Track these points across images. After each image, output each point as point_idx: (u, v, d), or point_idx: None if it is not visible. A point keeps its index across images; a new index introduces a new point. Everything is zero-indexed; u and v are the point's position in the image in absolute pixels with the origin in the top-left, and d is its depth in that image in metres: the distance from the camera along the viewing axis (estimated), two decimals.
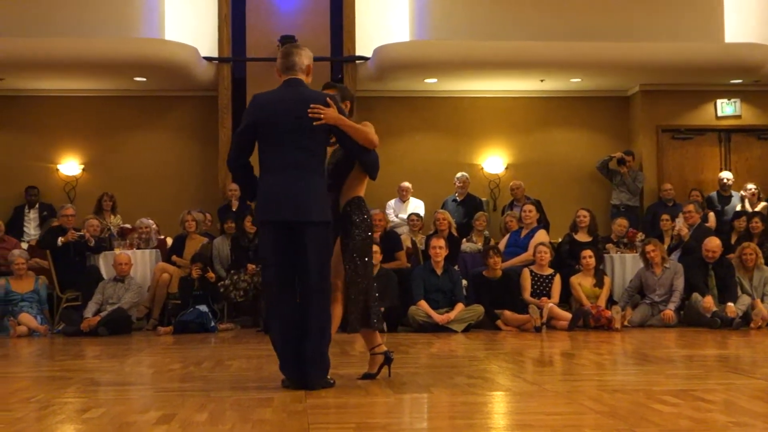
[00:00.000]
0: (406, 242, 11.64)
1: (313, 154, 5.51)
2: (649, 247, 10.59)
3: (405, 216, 12.93)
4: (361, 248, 5.67)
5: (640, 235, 11.66)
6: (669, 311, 10.25)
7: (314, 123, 5.39)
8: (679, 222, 11.57)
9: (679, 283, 10.47)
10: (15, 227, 13.18)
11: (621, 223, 11.92)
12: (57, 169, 14.24)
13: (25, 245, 12.34)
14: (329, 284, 5.56)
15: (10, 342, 9.67)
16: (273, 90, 5.66)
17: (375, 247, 10.23)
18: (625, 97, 14.84)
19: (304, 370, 5.40)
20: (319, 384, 5.41)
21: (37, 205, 13.63)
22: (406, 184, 13.37)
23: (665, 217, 12.01)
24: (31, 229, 13.38)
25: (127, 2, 13.10)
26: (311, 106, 5.38)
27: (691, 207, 11.69)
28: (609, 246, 11.65)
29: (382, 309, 5.98)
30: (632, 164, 13.83)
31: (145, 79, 13.63)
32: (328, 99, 5.45)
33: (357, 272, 5.64)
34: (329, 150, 5.72)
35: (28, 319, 10.29)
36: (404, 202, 13.37)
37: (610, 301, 10.64)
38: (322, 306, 5.48)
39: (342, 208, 5.68)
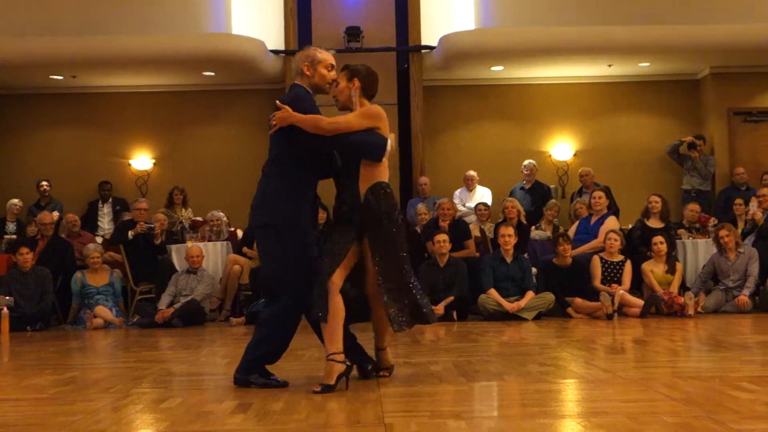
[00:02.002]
0: (475, 231, 11.62)
1: (272, 160, 5.43)
2: (722, 232, 10.43)
3: (472, 205, 12.90)
4: (394, 237, 5.29)
5: (713, 220, 11.48)
6: (743, 297, 10.09)
7: (269, 132, 5.31)
8: (753, 206, 11.37)
9: (754, 268, 10.30)
10: (90, 222, 13.46)
11: (693, 209, 11.76)
12: (129, 164, 14.50)
13: (99, 239, 12.61)
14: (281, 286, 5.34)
15: (87, 334, 9.88)
16: None
17: (443, 236, 10.32)
18: (695, 80, 14.60)
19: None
20: (238, 381, 5.36)
21: (110, 200, 13.90)
22: (472, 172, 13.32)
23: (738, 201, 11.81)
24: (105, 223, 13.65)
25: None
26: (270, 116, 5.30)
27: (765, 191, 11.50)
28: (681, 231, 11.49)
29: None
30: (703, 148, 13.61)
31: (213, 74, 13.80)
32: (277, 101, 5.30)
33: (396, 264, 5.28)
34: None
35: (104, 311, 10.52)
36: (471, 191, 13.33)
37: (683, 288, 10.51)
38: (270, 311, 5.45)
39: (363, 200, 5.33)
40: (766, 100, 14.28)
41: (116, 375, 6.18)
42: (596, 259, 10.45)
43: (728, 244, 10.36)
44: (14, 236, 12.38)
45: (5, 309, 9.84)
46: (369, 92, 5.52)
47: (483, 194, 13.26)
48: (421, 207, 12.00)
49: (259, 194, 5.40)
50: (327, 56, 5.52)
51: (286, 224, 5.25)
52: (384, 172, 5.39)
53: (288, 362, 6.56)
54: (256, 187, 5.45)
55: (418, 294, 5.33)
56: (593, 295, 10.05)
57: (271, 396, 4.92)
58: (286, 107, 5.24)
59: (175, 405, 4.73)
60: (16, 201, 13.04)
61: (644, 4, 13.06)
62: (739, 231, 11.01)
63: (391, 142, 5.43)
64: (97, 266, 10.89)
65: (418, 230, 11.49)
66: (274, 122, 5.24)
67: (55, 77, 13.76)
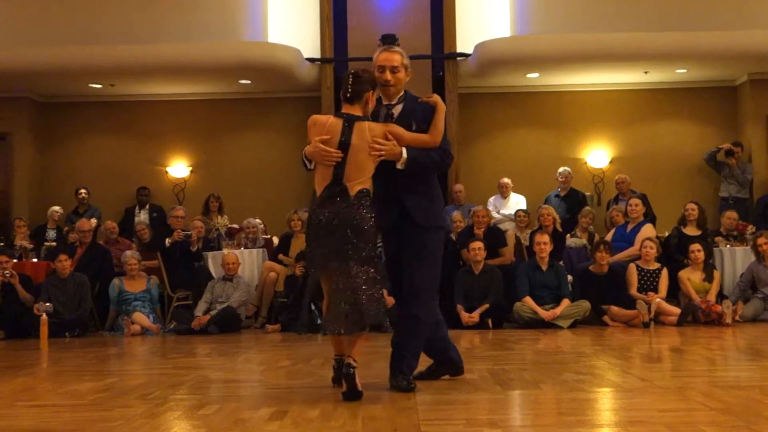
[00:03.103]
0: (511, 238, 11.59)
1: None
2: (761, 240, 10.34)
3: (506, 212, 12.88)
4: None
5: (751, 228, 11.38)
6: None
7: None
8: None
9: None
10: (126, 228, 13.56)
11: (730, 216, 11.66)
12: (166, 172, 14.63)
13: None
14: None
15: (125, 340, 9.97)
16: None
17: (478, 244, 10.31)
18: (733, 86, 14.48)
19: None
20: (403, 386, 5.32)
21: (147, 206, 14.01)
22: (506, 180, 13.28)
23: None
24: None
25: (230, 7, 13.36)
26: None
27: None
28: (718, 239, 11.41)
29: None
30: (741, 155, 13.50)
31: (249, 82, 13.89)
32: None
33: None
34: None
35: (141, 318, 10.61)
36: (505, 198, 13.29)
37: (721, 296, 10.42)
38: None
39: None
40: None
41: (154, 381, 6.23)
42: (632, 267, 10.39)
43: (767, 252, 10.26)
44: (54, 243, 12.50)
45: (44, 315, 9.94)
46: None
47: (517, 201, 13.22)
48: (456, 214, 11.99)
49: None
50: (375, 57, 5.45)
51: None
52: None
53: (324, 369, 6.60)
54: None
55: (365, 299, 5.10)
56: (629, 303, 10.00)
57: (308, 403, 4.94)
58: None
59: (212, 412, 4.77)
60: (57, 208, 13.18)
61: (680, 10, 12.99)
62: None
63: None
64: (135, 273, 10.98)
65: (453, 237, 11.49)
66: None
67: (94, 86, 13.93)
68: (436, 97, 5.44)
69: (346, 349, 5.17)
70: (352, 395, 4.98)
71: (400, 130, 5.27)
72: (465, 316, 9.95)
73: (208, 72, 13.42)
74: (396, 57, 5.38)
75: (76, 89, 14.17)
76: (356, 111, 5.27)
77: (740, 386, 5.31)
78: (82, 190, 13.75)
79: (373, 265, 5.17)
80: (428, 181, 5.48)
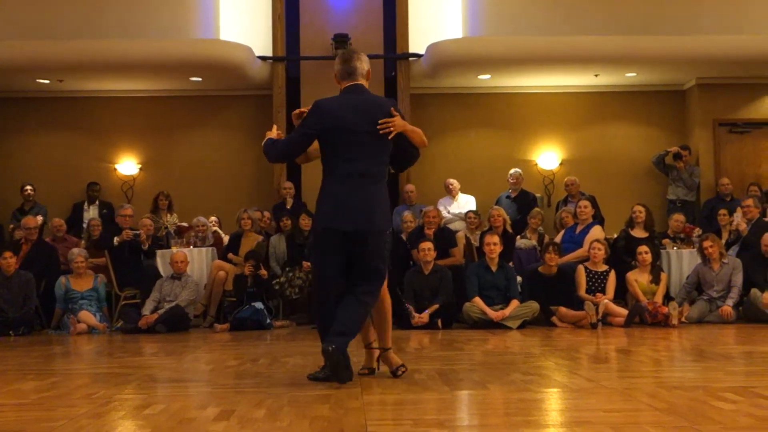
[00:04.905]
0: (461, 239, 11.63)
1: (383, 162, 5.66)
2: (706, 243, 10.47)
3: (456, 211, 12.93)
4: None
5: (697, 231, 11.54)
6: (727, 307, 10.12)
7: (389, 137, 5.55)
8: (737, 217, 11.42)
9: (738, 279, 10.34)
10: (74, 224, 13.39)
11: (678, 219, 11.81)
12: (115, 169, 14.47)
13: (83, 243, 12.54)
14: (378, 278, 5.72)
15: (71, 339, 9.84)
16: (336, 97, 5.70)
17: (428, 244, 10.33)
18: (681, 90, 14.67)
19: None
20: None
21: (97, 202, 13.83)
22: (452, 180, 13.31)
23: (723, 212, 11.87)
24: None
25: (181, 3, 13.25)
26: (380, 121, 5.50)
27: (749, 201, 11.53)
28: (665, 241, 11.54)
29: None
30: (688, 159, 13.68)
31: (200, 79, 13.78)
32: (392, 109, 5.59)
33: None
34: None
35: (88, 316, 10.47)
36: (453, 198, 13.33)
37: (667, 298, 10.55)
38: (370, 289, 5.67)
39: None
40: (752, 112, 14.36)
41: (99, 381, 6.14)
42: (581, 268, 10.47)
43: (712, 254, 10.40)
44: None
45: None
46: None
47: (467, 201, 13.26)
48: (407, 214, 12.00)
49: (378, 199, 5.60)
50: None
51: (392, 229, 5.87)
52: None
53: (272, 368, 6.56)
54: (369, 192, 5.55)
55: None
56: (578, 304, 10.08)
57: (255, 403, 4.91)
58: (398, 114, 5.59)
59: (158, 412, 4.71)
60: None
61: (631, 15, 13.13)
62: (724, 241, 11.06)
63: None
64: (82, 271, 10.84)
65: (404, 238, 11.50)
66: (392, 128, 5.52)
67: (41, 81, 13.72)
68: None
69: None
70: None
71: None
72: (415, 315, 9.95)
73: (158, 69, 13.28)
74: None
75: (22, 85, 13.93)
76: None
77: (685, 387, 5.36)
78: (28, 187, 13.55)
79: None
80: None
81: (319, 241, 5.64)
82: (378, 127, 5.49)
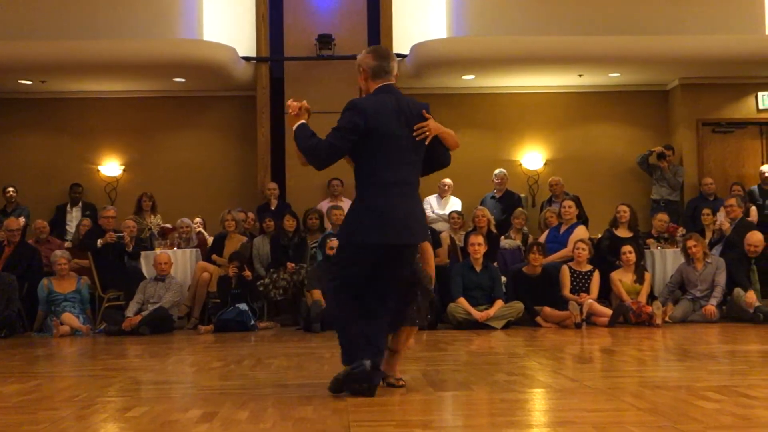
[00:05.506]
0: (446, 239, 11.63)
1: (418, 170, 5.31)
2: (690, 242, 10.50)
3: (441, 212, 12.93)
4: None
5: (681, 230, 11.57)
6: (711, 306, 10.16)
7: (425, 143, 5.23)
8: (721, 216, 11.45)
9: (721, 278, 10.38)
10: (57, 226, 13.33)
11: (661, 218, 11.84)
12: (98, 170, 14.40)
13: (67, 244, 12.48)
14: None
15: (54, 341, 9.78)
16: (373, 97, 5.27)
17: None
18: (665, 91, 14.71)
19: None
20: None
21: (80, 204, 13.76)
22: (447, 180, 13.30)
23: (706, 211, 11.91)
24: (74, 227, 13.45)
25: (165, 4, 13.20)
26: (415, 126, 5.18)
27: (732, 201, 11.56)
28: (649, 241, 11.57)
29: None
30: (672, 159, 13.71)
31: (184, 80, 13.73)
32: (424, 111, 5.27)
33: None
34: None
35: (71, 318, 10.42)
36: (443, 198, 13.34)
37: (651, 297, 10.57)
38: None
39: None
40: (735, 112, 14.41)
41: (82, 383, 6.12)
42: (565, 268, 10.48)
43: (696, 254, 10.44)
44: None
45: None
46: None
47: (454, 203, 13.27)
48: None
49: (419, 210, 5.38)
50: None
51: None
52: None
53: (255, 370, 6.55)
54: (408, 203, 5.22)
55: None
56: (562, 304, 10.09)
57: (238, 405, 4.89)
58: (431, 117, 5.29)
59: (140, 414, 4.69)
60: None
61: (615, 15, 13.16)
62: (707, 241, 11.09)
63: None
64: (64, 273, 10.79)
65: None
66: (427, 132, 5.22)
67: (24, 82, 13.65)
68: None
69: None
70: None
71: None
72: None
73: (142, 69, 13.22)
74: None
75: (4, 85, 13.84)
76: None
77: (668, 386, 5.38)
78: (10, 189, 13.47)
79: None
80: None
81: (352, 254, 5.20)
82: (414, 133, 5.18)
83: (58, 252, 11.08)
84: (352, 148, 5.13)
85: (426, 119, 5.24)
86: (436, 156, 5.40)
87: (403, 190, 5.16)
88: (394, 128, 5.12)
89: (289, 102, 5.33)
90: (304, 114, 5.28)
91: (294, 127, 5.23)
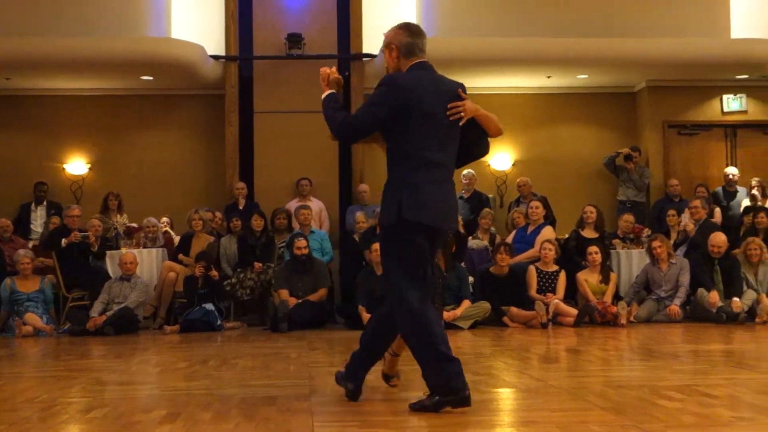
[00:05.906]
0: None
1: (454, 154, 4.96)
2: (655, 243, 10.58)
3: None
4: None
5: (647, 231, 11.66)
6: (675, 307, 10.25)
7: (460, 123, 4.87)
8: (685, 217, 11.56)
9: (685, 279, 10.48)
10: (21, 225, 13.18)
11: (627, 219, 11.92)
12: (64, 169, 14.25)
13: (31, 243, 12.36)
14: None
15: (16, 342, 9.70)
16: (409, 73, 4.95)
17: (374, 245, 10.32)
18: (632, 92, 14.80)
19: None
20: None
21: (44, 202, 13.61)
22: None
23: (671, 212, 12.00)
24: (38, 226, 13.32)
25: (133, 1, 13.09)
26: (449, 105, 4.83)
27: (697, 202, 11.68)
28: (615, 242, 11.64)
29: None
30: (639, 160, 13.80)
31: (151, 78, 13.62)
32: (459, 91, 4.96)
33: None
34: None
35: (34, 318, 10.32)
36: None
37: (617, 297, 10.65)
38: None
39: None
40: (700, 114, 14.54)
41: (44, 384, 6.06)
42: (532, 268, 10.53)
43: (660, 254, 10.52)
44: None
45: None
46: None
47: None
48: (359, 215, 11.98)
49: (455, 195, 4.99)
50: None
51: None
52: None
53: (221, 370, 6.52)
54: (447, 186, 4.88)
55: None
56: (529, 304, 10.13)
57: (202, 405, 4.87)
58: (467, 96, 4.91)
59: (102, 415, 4.66)
60: None
61: (583, 18, 13.22)
62: (672, 242, 11.19)
63: None
64: (28, 272, 10.68)
65: (357, 238, 11.48)
66: (462, 113, 4.86)
67: None
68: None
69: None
70: None
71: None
72: (366, 317, 9.91)
73: (108, 67, 13.09)
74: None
75: None
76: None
77: (632, 386, 5.41)
78: None
79: None
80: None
81: (406, 235, 4.73)
82: (448, 112, 4.81)
83: (21, 251, 10.97)
84: (383, 126, 4.80)
85: (462, 99, 4.91)
86: (473, 141, 5.04)
87: (441, 172, 4.82)
88: (431, 105, 4.78)
89: (322, 69, 5.01)
90: (334, 85, 4.97)
91: (322, 97, 4.93)
